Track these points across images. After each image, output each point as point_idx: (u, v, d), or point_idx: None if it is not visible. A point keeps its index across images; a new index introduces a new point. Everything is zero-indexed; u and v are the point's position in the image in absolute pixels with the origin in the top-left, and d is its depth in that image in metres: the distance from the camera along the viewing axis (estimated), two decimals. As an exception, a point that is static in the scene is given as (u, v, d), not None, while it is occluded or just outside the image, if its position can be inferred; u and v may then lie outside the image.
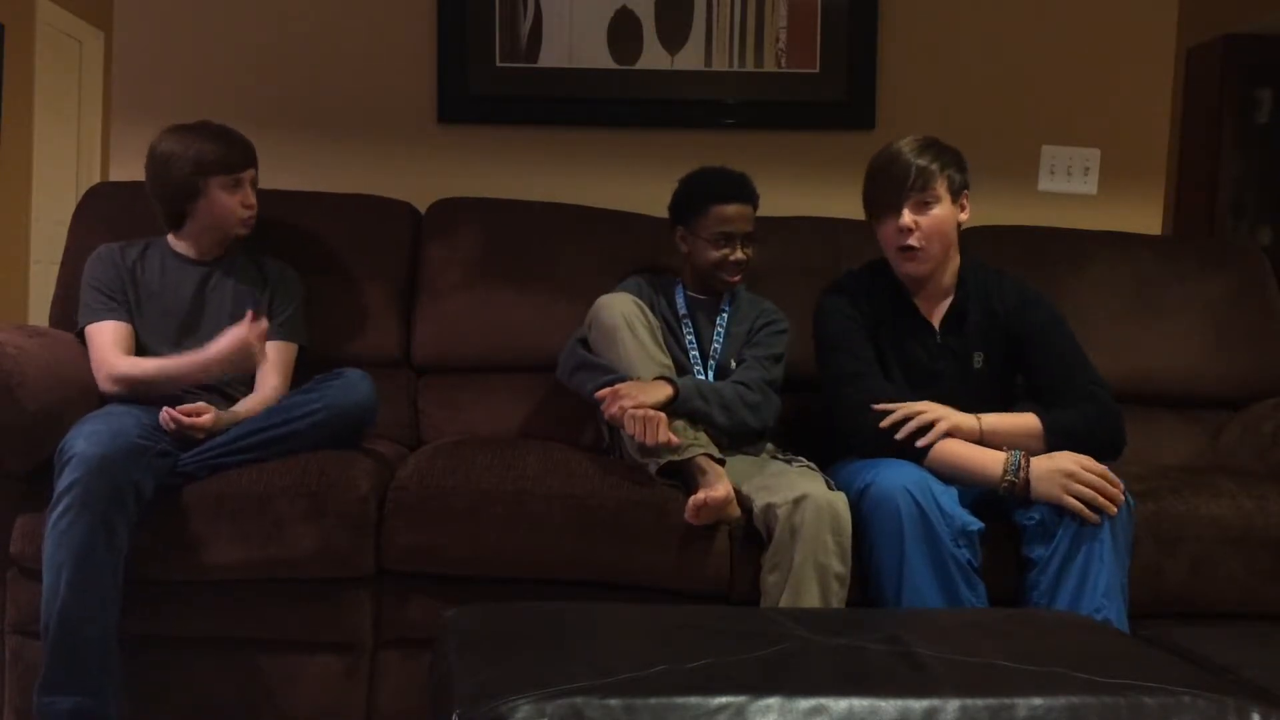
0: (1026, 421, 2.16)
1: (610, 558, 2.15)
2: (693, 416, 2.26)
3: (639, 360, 2.29)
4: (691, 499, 2.10)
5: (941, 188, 2.24)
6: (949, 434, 2.12)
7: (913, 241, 2.23)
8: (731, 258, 2.50)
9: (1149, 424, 2.79)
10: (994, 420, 2.16)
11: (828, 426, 2.33)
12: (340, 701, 2.18)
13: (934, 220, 2.24)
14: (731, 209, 2.49)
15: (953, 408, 2.18)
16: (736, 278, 2.53)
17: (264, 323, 2.30)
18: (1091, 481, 2.03)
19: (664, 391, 2.23)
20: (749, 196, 2.53)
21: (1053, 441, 2.13)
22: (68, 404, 2.21)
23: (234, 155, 2.45)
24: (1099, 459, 2.08)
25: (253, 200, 2.49)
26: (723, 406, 2.31)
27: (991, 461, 2.10)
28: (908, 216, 2.23)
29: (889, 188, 2.25)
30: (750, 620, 1.58)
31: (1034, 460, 2.08)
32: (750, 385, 2.38)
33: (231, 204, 2.45)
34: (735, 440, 2.38)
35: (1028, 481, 2.06)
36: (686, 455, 2.17)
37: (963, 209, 2.31)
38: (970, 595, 2.04)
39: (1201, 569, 2.19)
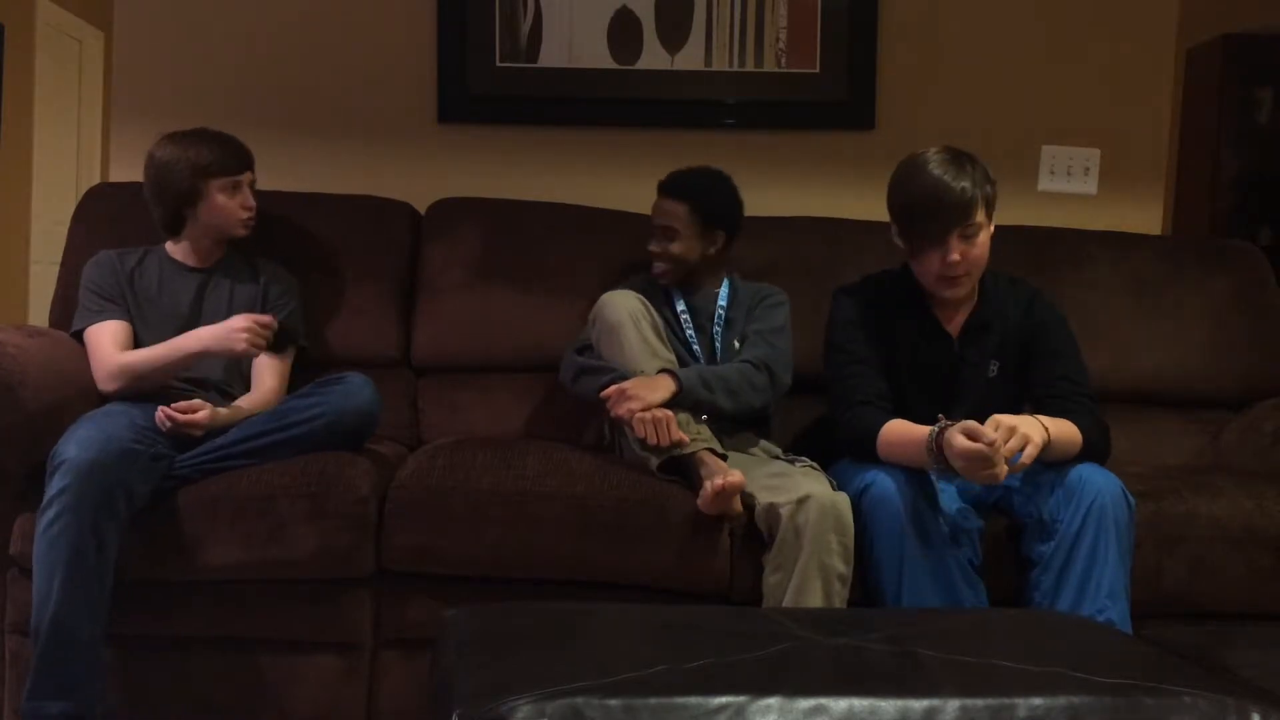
0: (1074, 432, 2.12)
1: (610, 558, 2.15)
2: (698, 406, 2.26)
3: (643, 355, 2.29)
4: (709, 484, 2.08)
5: (981, 214, 2.18)
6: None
7: (959, 271, 2.19)
8: (650, 247, 2.56)
9: (1149, 424, 2.79)
10: (1056, 430, 2.09)
11: (828, 426, 2.33)
12: (340, 701, 2.18)
13: (979, 247, 2.19)
14: (657, 203, 2.58)
15: (967, 415, 2.16)
16: (657, 269, 2.57)
17: (269, 318, 2.31)
18: (979, 473, 1.96)
19: (668, 387, 2.23)
20: (673, 191, 2.57)
21: (1084, 451, 2.12)
22: (68, 404, 2.21)
23: (232, 158, 2.48)
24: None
25: (252, 203, 2.52)
26: (728, 391, 2.32)
27: (922, 443, 2.04)
28: (956, 251, 2.16)
29: (934, 222, 2.16)
30: (750, 620, 1.58)
31: (947, 441, 1.99)
32: (754, 363, 2.40)
33: (231, 206, 2.48)
34: (738, 425, 2.39)
35: (947, 460, 2.00)
36: (690, 450, 2.17)
37: (990, 220, 2.24)
38: (970, 594, 2.04)
39: (1201, 569, 2.19)
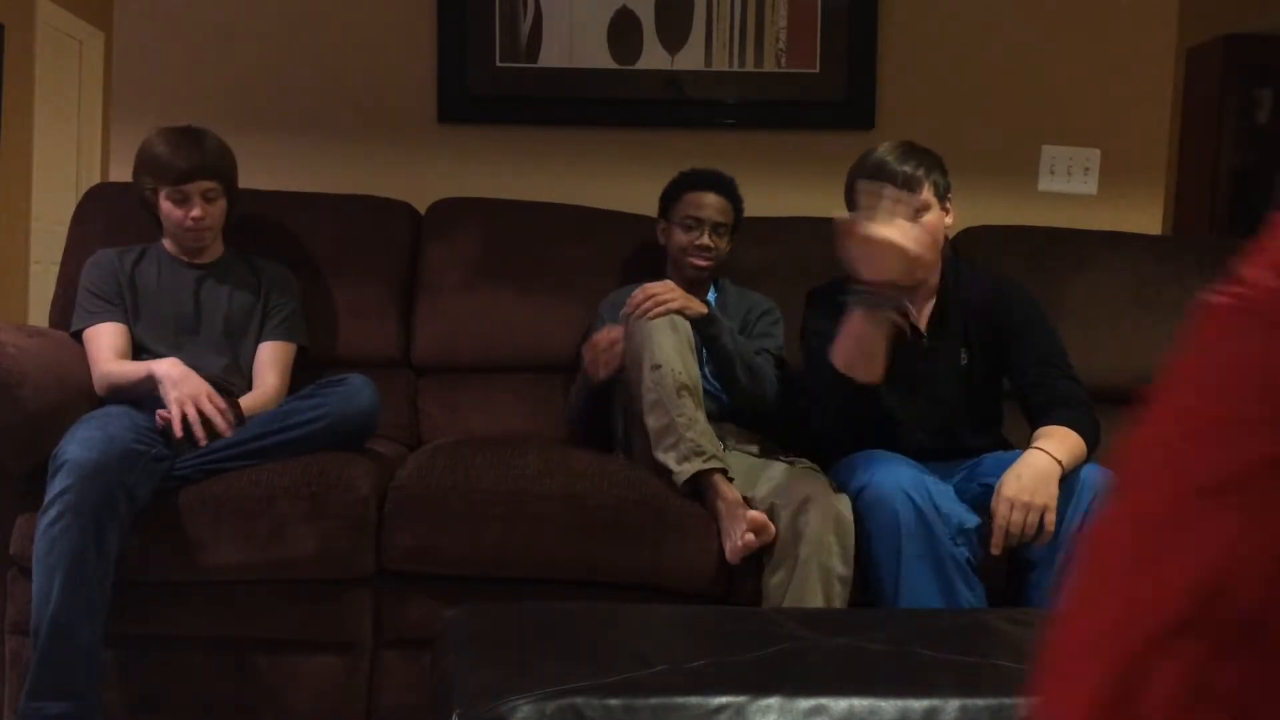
0: (1079, 443, 2.14)
1: (610, 558, 2.14)
2: (718, 361, 2.33)
3: (673, 356, 2.21)
4: (742, 543, 2.05)
5: (929, 194, 2.20)
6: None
7: None
8: (697, 241, 2.53)
9: (1149, 424, 2.79)
10: (1063, 451, 2.10)
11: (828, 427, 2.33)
12: (340, 701, 2.18)
13: (925, 228, 2.18)
14: (704, 196, 2.56)
15: (945, 407, 2.17)
16: (703, 263, 2.54)
17: (225, 421, 2.21)
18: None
19: (702, 307, 2.30)
20: (724, 190, 2.58)
21: (1090, 454, 2.14)
22: (67, 404, 2.21)
23: (180, 166, 2.35)
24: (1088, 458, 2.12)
25: (199, 214, 2.38)
26: (747, 367, 2.36)
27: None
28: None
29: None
30: (750, 620, 1.58)
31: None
32: (775, 355, 2.46)
33: (176, 216, 2.39)
34: (740, 427, 2.40)
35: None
36: (705, 468, 2.14)
37: (947, 213, 2.27)
38: (969, 594, 2.04)
39: (1201, 569, 2.19)
